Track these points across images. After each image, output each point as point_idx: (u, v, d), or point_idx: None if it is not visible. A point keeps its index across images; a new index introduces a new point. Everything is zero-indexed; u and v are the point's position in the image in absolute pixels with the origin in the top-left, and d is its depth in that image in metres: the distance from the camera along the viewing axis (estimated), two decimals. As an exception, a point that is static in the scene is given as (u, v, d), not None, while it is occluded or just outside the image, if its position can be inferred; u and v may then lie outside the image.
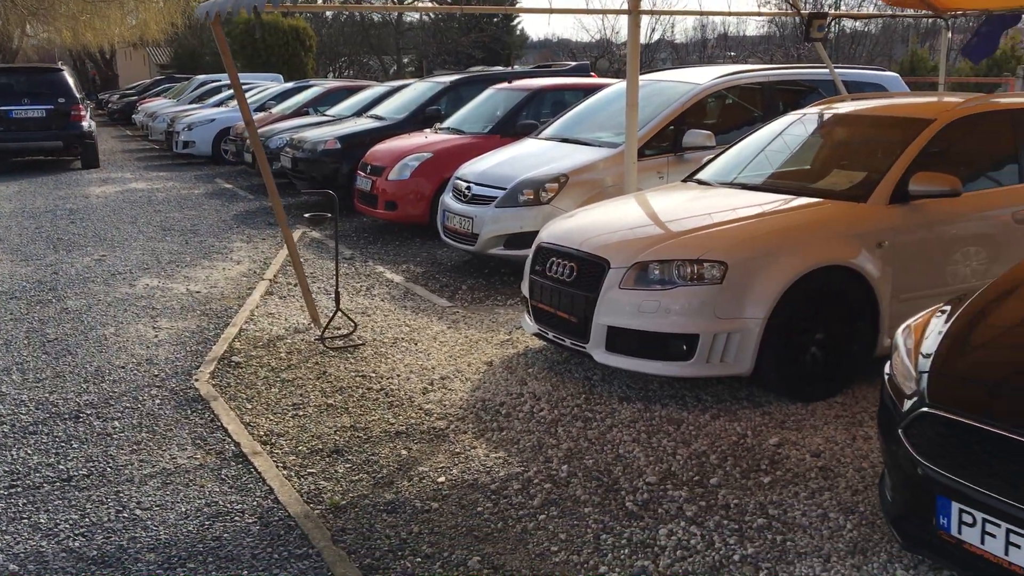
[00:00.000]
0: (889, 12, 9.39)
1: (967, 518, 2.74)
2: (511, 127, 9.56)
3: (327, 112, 14.29)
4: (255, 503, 3.88)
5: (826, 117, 6.25)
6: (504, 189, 7.46)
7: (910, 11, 8.95)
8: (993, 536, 2.67)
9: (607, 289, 4.83)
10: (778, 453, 4.21)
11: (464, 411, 4.82)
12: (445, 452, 4.33)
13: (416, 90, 12.38)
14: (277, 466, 4.22)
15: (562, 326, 5.14)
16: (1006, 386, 2.89)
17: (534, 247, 5.53)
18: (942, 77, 9.14)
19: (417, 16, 39.92)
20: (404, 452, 4.34)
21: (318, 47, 33.87)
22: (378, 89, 14.15)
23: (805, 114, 6.37)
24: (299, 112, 15.21)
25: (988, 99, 5.97)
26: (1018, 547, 2.61)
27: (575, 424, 4.61)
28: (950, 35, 9.13)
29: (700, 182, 6.01)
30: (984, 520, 2.69)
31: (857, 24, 33.91)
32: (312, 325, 6.41)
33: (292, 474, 4.15)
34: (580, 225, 5.43)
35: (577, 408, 4.81)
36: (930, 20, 11.45)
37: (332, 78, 32.16)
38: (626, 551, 3.42)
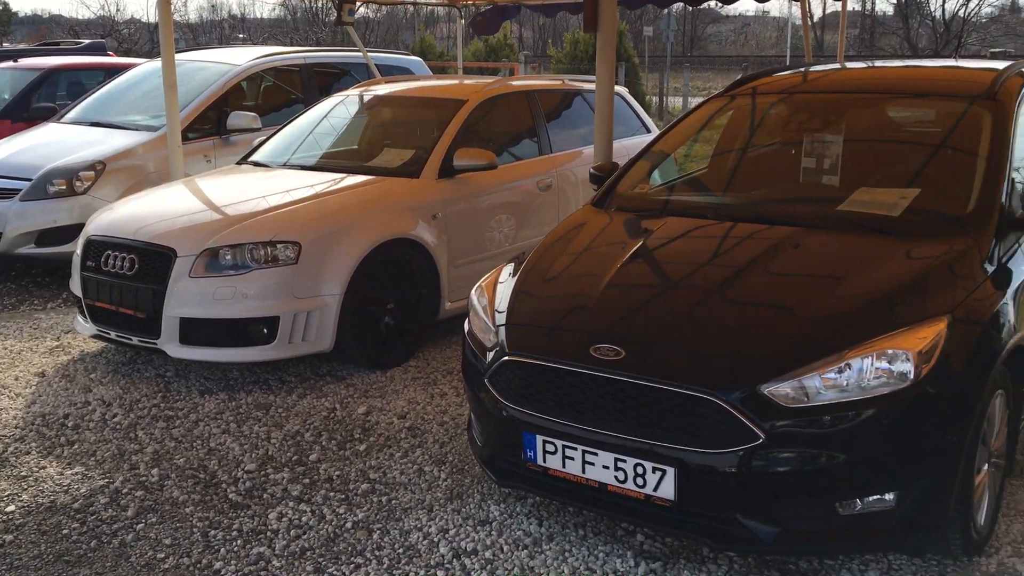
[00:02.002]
0: (411, 1, 10.01)
1: (550, 447, 3.14)
2: (23, 111, 8.57)
3: None
4: None
5: (369, 98, 6.53)
6: (29, 180, 6.66)
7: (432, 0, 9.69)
8: (572, 459, 3.09)
9: (176, 279, 4.60)
10: (368, 420, 4.39)
11: (21, 430, 4.28)
12: (8, 478, 3.82)
13: None
14: None
15: (127, 323, 4.79)
16: (563, 328, 3.32)
17: (82, 241, 5.06)
18: (460, 62, 10.02)
19: None
20: (-46, 487, 3.76)
21: None
22: None
23: (348, 95, 6.60)
24: None
25: (507, 81, 6.71)
26: (592, 464, 3.06)
27: (157, 425, 4.34)
28: (463, 22, 10.00)
29: (257, 164, 5.95)
30: (564, 446, 3.10)
31: (368, 11, 35.50)
32: None
33: None
34: (135, 214, 5.08)
35: (155, 408, 4.53)
36: (430, 9, 12.38)
37: None
38: (239, 542, 3.35)
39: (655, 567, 3.14)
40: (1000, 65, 4.35)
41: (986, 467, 3.13)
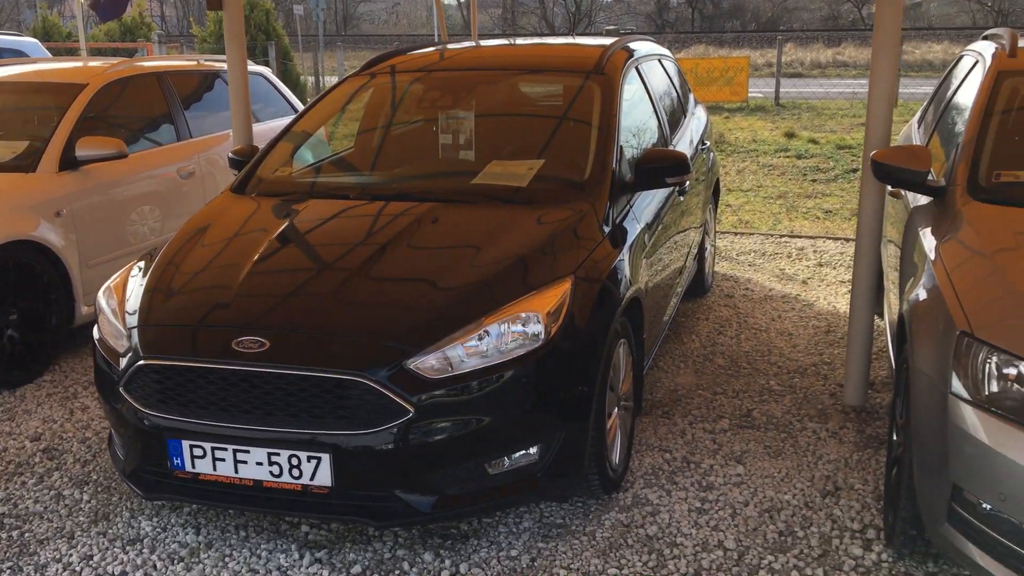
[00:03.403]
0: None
1: (198, 451, 2.96)
2: None
3: None
4: None
5: (-31, 85, 5.75)
6: None
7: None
8: (223, 460, 2.94)
9: None
10: (-7, 449, 3.91)
11: None
12: None
13: None
14: None
15: None
16: (202, 324, 3.09)
17: None
18: (83, 43, 9.14)
19: None
20: None
21: None
22: None
23: (-57, 82, 5.77)
24: None
25: (134, 63, 6.21)
26: (245, 462, 2.92)
27: None
28: (84, 2, 9.14)
29: None
30: (213, 448, 2.94)
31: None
32: None
33: None
34: None
35: None
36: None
37: None
38: None
39: (320, 555, 3.09)
40: (608, 41, 4.74)
41: (616, 410, 3.43)
